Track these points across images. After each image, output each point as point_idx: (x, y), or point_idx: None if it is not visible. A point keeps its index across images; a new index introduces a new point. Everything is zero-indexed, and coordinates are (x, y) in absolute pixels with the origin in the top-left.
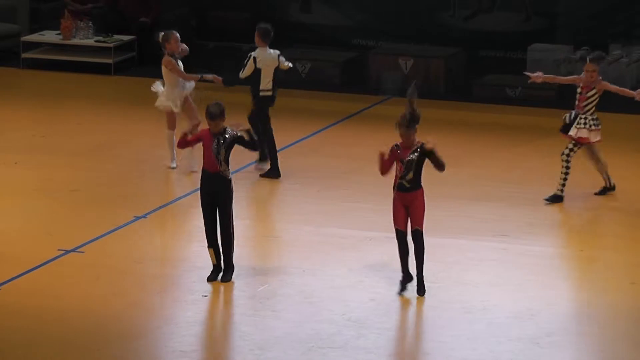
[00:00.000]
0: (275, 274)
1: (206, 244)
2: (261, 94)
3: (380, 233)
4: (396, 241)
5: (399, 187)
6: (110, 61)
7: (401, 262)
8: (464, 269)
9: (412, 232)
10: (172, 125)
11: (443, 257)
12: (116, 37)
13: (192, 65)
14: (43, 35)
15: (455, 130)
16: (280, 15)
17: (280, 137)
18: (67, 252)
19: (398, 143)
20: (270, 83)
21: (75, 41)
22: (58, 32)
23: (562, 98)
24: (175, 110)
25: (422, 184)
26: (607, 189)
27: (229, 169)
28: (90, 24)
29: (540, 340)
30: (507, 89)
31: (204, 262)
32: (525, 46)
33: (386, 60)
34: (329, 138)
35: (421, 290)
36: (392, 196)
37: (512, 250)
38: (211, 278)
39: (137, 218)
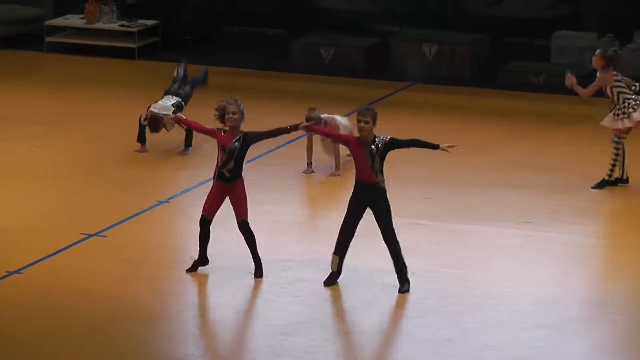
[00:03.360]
0: (298, 259)
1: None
2: None
3: (403, 219)
4: (199, 227)
5: (219, 177)
6: (133, 45)
7: (200, 246)
8: (488, 256)
9: (238, 223)
10: None
11: (467, 243)
12: (140, 21)
13: (218, 50)
14: (67, 19)
15: (480, 116)
16: (304, 0)
17: None
18: (89, 236)
19: (225, 128)
20: None
21: (99, 25)
22: (82, 16)
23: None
24: None
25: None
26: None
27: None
28: (114, 9)
29: (564, 327)
30: (532, 75)
31: (226, 246)
32: (549, 33)
33: (410, 46)
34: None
35: (259, 272)
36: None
37: (535, 237)
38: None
39: (160, 203)
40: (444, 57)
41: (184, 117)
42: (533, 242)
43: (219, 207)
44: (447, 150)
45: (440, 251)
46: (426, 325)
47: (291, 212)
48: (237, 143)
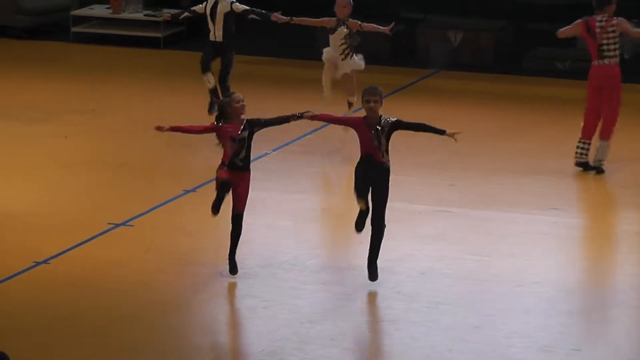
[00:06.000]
0: (325, 247)
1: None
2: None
3: (428, 206)
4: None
5: (229, 167)
6: (159, 35)
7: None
8: (515, 243)
9: (235, 215)
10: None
11: (494, 230)
12: (165, 10)
13: (243, 38)
14: (92, 9)
15: (505, 103)
16: None
17: (329, 111)
18: (116, 225)
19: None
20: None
21: (125, 15)
22: (107, 6)
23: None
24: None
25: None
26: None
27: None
28: None
29: (592, 314)
30: (557, 62)
31: (254, 235)
32: (574, 19)
33: (435, 33)
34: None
35: (234, 269)
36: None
37: (563, 224)
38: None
39: (187, 192)
40: (468, 44)
41: (178, 126)
42: (559, 228)
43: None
44: (453, 137)
45: (466, 238)
46: (452, 312)
47: (317, 200)
48: (244, 132)
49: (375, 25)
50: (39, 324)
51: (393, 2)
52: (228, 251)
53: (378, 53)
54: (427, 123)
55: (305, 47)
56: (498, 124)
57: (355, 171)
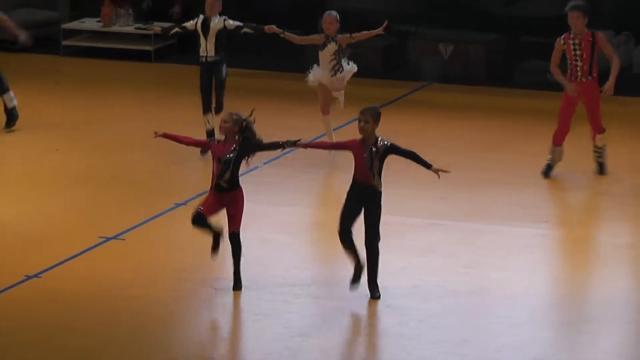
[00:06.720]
0: (316, 261)
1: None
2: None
3: (421, 219)
4: (195, 225)
5: (216, 187)
6: (150, 48)
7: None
8: (505, 255)
9: (230, 234)
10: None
11: (484, 243)
12: (156, 24)
13: (234, 51)
14: (83, 22)
15: (496, 116)
16: (320, 1)
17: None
18: (107, 239)
19: (217, 139)
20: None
21: (115, 28)
22: (98, 19)
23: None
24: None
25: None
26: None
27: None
28: (130, 11)
29: (582, 326)
30: (548, 74)
31: (245, 248)
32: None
33: (426, 45)
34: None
35: (237, 285)
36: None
37: (553, 236)
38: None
39: (178, 205)
40: (460, 57)
41: (172, 134)
42: (550, 241)
43: (217, 212)
44: (437, 174)
45: (457, 251)
46: (443, 325)
47: (308, 213)
48: (231, 154)
49: (366, 32)
50: (30, 338)
51: (384, 15)
52: (233, 268)
53: (369, 66)
54: (418, 153)
55: (298, 60)
56: (489, 136)
57: (347, 196)
